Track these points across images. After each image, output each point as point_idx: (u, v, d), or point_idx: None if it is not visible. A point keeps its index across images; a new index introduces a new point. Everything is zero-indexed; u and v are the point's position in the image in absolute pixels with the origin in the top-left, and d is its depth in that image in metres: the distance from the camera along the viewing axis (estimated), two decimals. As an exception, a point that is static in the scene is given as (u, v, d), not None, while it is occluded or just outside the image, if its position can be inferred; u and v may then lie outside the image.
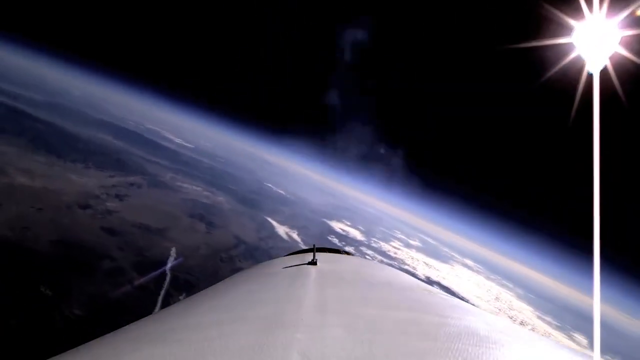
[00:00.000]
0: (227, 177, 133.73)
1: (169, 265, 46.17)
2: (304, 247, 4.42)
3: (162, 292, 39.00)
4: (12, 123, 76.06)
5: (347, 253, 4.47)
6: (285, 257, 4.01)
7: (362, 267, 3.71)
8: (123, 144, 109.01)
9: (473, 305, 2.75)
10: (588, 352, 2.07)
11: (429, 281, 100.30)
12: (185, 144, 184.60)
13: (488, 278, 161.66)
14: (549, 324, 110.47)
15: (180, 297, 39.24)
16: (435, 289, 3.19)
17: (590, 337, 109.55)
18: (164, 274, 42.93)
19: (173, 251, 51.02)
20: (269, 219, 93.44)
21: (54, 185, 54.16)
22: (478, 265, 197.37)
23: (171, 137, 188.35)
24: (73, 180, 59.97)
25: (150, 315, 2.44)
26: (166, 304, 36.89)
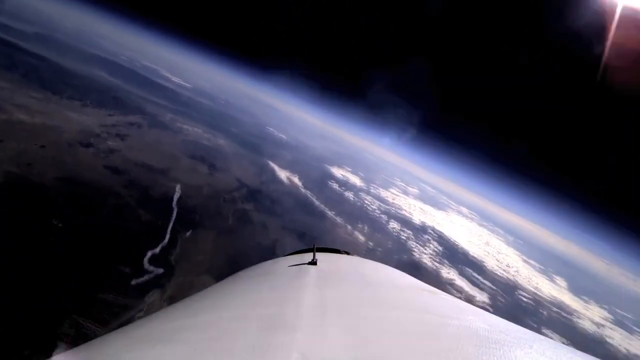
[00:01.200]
0: (228, 119, 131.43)
1: (175, 199, 48.32)
2: (304, 248, 4.39)
3: (170, 226, 41.07)
4: (3, 57, 72.51)
5: (347, 253, 4.41)
6: (285, 257, 3.99)
7: (362, 267, 3.66)
8: (119, 81, 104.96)
9: (475, 306, 2.80)
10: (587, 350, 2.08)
11: (424, 226, 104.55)
12: (184, 84, 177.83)
13: (480, 225, 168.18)
14: (532, 267, 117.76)
15: (187, 234, 41.30)
16: (436, 289, 3.19)
17: (569, 281, 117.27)
18: (169, 209, 44.75)
19: (178, 187, 52.58)
20: (271, 163, 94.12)
21: (53, 122, 53.46)
22: (472, 213, 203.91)
23: (168, 75, 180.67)
24: (72, 118, 59.04)
25: (150, 315, 2.45)
26: (173, 241, 38.99)
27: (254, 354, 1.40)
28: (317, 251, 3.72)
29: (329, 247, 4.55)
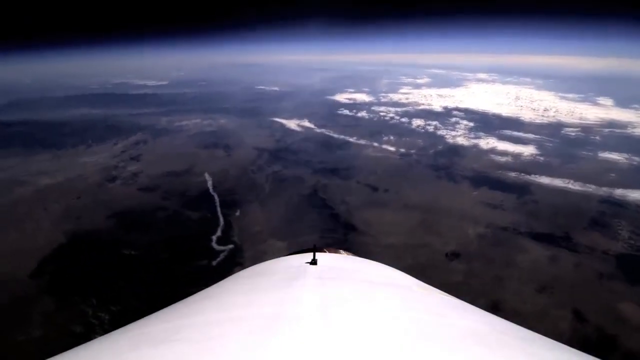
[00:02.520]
0: (217, 97, 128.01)
1: (210, 187, 50.74)
2: (304, 248, 4.26)
3: (219, 211, 43.91)
4: (-5, 138, 74.38)
5: (347, 253, 4.31)
6: (285, 257, 3.99)
7: (362, 267, 3.66)
8: (104, 110, 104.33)
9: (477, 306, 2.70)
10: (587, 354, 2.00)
11: (448, 110, 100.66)
12: (160, 83, 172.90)
13: (504, 82, 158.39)
14: (572, 100, 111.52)
15: (237, 214, 43.68)
16: (435, 289, 3.15)
17: (614, 97, 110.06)
18: (210, 198, 47.41)
19: (207, 175, 54.84)
20: (277, 119, 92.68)
21: (74, 173, 55.86)
22: (491, 75, 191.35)
23: (142, 82, 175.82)
24: (86, 162, 61.14)
25: (150, 315, 2.47)
26: (228, 222, 41.55)
27: (254, 353, 1.40)
28: (317, 251, 3.73)
29: (329, 247, 4.49)
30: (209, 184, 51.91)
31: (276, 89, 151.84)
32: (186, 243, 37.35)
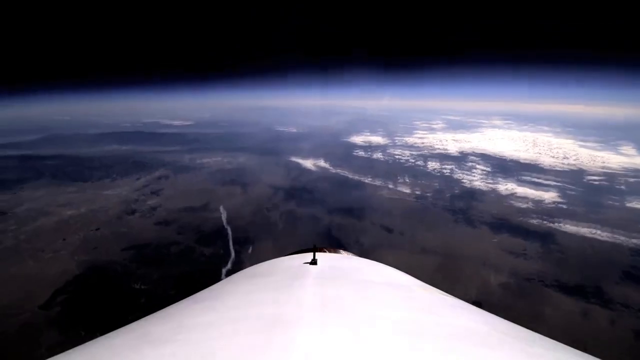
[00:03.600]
0: (238, 137, 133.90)
1: (224, 221, 51.38)
2: (305, 247, 4.40)
3: (231, 245, 43.95)
4: (28, 170, 79.12)
5: (347, 253, 4.35)
6: (285, 257, 4.01)
7: (362, 267, 3.67)
8: (131, 146, 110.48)
9: (475, 305, 2.75)
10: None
11: (464, 154, 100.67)
12: (185, 123, 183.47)
13: (521, 129, 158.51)
14: (592, 148, 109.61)
15: (249, 251, 43.33)
16: (435, 289, 3.19)
17: (635, 144, 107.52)
18: (224, 234, 47.60)
19: (221, 208, 55.95)
20: (294, 159, 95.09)
21: (96, 205, 57.80)
22: (508, 121, 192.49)
23: (169, 122, 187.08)
24: (109, 195, 63.43)
25: (150, 315, 2.48)
26: (239, 258, 41.11)
27: (254, 353, 1.40)
28: (317, 251, 3.75)
29: (330, 247, 4.50)
30: (223, 217, 52.60)
31: (294, 130, 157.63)
32: (196, 280, 36.85)
